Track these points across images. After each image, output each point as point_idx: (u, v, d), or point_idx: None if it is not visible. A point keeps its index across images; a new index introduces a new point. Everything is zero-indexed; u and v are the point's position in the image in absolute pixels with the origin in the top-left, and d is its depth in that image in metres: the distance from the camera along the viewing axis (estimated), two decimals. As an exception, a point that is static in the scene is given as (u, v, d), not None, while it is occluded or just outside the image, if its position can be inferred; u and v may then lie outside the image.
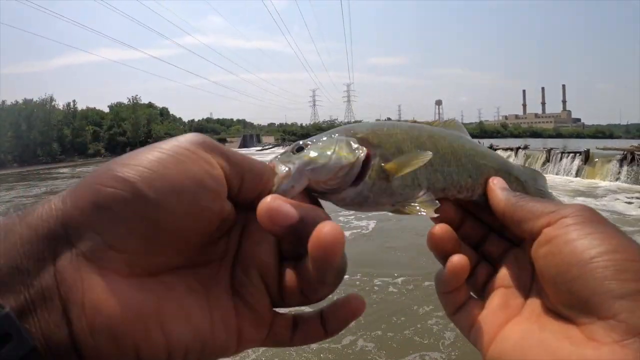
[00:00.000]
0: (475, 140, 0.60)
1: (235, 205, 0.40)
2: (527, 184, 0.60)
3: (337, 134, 0.49)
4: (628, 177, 16.50)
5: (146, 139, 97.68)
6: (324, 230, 0.34)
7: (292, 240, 0.38)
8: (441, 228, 0.49)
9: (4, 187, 24.17)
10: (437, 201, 0.49)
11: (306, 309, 0.43)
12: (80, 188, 0.33)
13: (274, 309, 0.41)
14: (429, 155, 0.48)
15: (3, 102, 67.30)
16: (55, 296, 0.30)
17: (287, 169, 0.43)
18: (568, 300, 0.39)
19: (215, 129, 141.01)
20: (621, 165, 17.18)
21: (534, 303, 0.45)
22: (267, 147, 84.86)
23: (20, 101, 72.15)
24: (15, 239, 0.31)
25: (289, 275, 0.40)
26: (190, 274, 0.38)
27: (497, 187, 0.52)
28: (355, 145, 0.47)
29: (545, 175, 0.62)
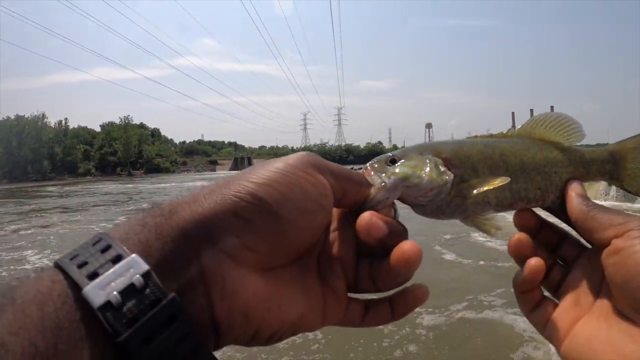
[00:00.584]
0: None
1: (341, 207, 0.49)
2: (622, 163, 0.61)
3: (425, 153, 0.55)
4: (617, 195, 15.96)
5: (137, 159, 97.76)
6: (405, 247, 0.44)
7: (377, 246, 0.46)
8: (520, 236, 0.54)
9: (-7, 203, 24.16)
10: (498, 224, 0.56)
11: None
12: (217, 196, 0.40)
13: (348, 294, 0.49)
14: (501, 181, 0.54)
15: (-5, 117, 66.89)
16: (200, 285, 0.37)
17: (382, 182, 0.50)
18: (632, 305, 0.44)
19: (206, 151, 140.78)
20: (610, 184, 16.72)
21: (603, 303, 0.49)
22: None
23: (12, 117, 71.93)
24: (166, 238, 0.36)
25: (365, 269, 0.48)
26: (293, 266, 0.45)
27: (574, 194, 0.55)
28: (442, 169, 0.54)
29: None
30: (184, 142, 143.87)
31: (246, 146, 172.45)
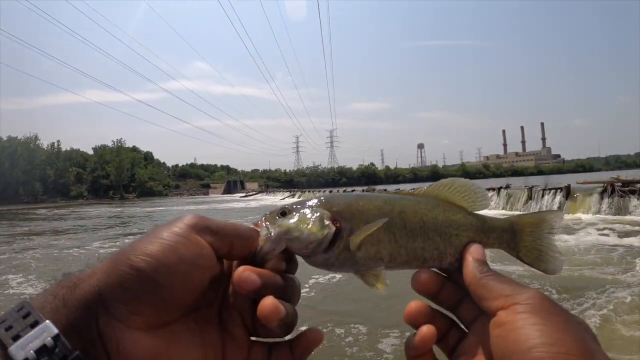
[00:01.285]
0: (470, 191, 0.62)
1: (230, 259, 0.55)
2: (520, 235, 0.62)
3: (317, 206, 0.57)
4: (609, 209, 16.44)
5: (130, 182, 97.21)
6: (264, 302, 0.49)
7: (256, 297, 0.51)
8: (415, 306, 0.56)
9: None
10: (387, 280, 0.56)
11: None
12: (108, 269, 0.46)
13: (252, 338, 0.54)
14: (375, 225, 0.55)
15: (-14, 138, 66.24)
16: (100, 346, 0.44)
17: (268, 234, 0.54)
18: None
19: (199, 175, 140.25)
20: (602, 198, 17.07)
21: None
22: (250, 193, 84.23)
23: (5, 138, 70.99)
24: (71, 307, 0.44)
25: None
26: (188, 319, 0.51)
27: (471, 259, 0.56)
28: (327, 222, 0.55)
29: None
30: (176, 166, 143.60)
31: (239, 169, 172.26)
